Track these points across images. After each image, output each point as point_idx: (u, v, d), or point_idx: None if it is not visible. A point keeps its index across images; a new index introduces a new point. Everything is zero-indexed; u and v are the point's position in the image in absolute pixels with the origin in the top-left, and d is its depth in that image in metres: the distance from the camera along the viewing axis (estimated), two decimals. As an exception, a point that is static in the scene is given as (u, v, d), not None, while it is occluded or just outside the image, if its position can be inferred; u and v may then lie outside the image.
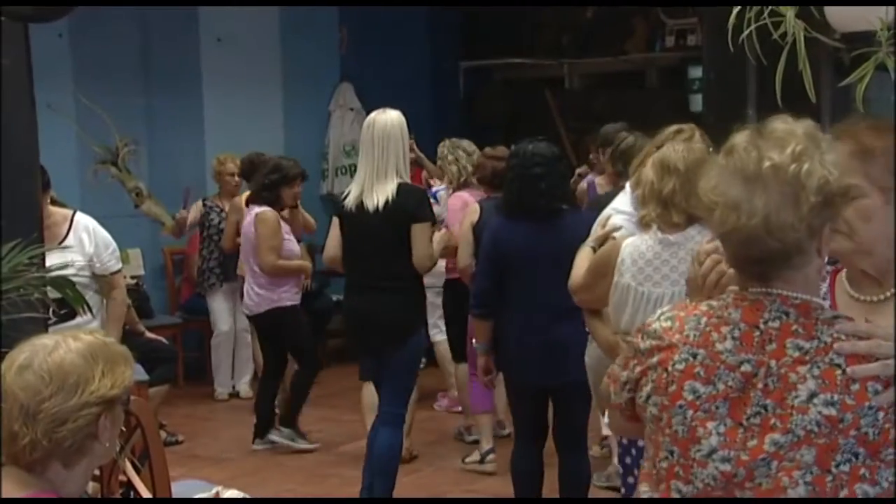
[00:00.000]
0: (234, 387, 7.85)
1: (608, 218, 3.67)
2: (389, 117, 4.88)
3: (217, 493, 3.42)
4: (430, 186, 6.66)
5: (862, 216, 1.99)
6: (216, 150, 7.93)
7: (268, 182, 6.38)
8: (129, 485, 3.25)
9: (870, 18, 3.71)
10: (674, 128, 3.69)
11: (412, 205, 4.74)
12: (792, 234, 1.74)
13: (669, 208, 3.27)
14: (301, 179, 6.59)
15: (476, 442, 6.07)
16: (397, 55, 9.59)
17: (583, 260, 3.60)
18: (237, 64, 8.66)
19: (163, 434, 6.39)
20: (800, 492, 1.73)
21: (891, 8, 3.78)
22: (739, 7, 3.82)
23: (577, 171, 6.81)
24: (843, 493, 1.74)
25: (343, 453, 6.35)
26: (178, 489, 3.36)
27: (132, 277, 7.21)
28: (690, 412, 1.80)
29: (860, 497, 1.74)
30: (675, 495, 1.83)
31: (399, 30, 9.73)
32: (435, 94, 9.74)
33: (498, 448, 5.76)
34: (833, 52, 4.14)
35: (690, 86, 8.80)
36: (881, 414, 1.72)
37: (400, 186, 4.77)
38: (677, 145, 3.32)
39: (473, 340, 4.94)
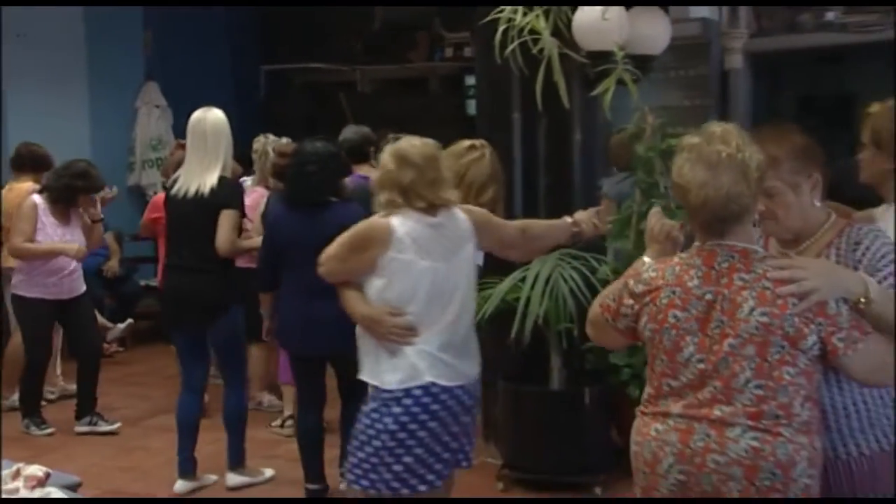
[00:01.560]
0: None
1: None
2: (218, 115, 5.00)
3: (18, 469, 3.37)
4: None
5: (782, 207, 2.55)
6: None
7: (71, 185, 6.08)
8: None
9: (609, 40, 4.00)
10: (467, 143, 3.91)
11: (226, 195, 4.85)
12: (745, 200, 2.39)
13: (411, 196, 3.39)
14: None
15: (280, 412, 6.13)
16: (200, 57, 9.48)
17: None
18: (40, 61, 8.23)
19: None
20: (747, 375, 2.33)
21: (625, 31, 4.08)
22: (505, 26, 4.03)
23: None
24: (775, 374, 2.32)
25: (149, 426, 6.28)
26: (-25, 467, 3.26)
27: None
28: (674, 331, 2.42)
29: (785, 376, 2.32)
30: (665, 388, 2.44)
31: (202, 33, 9.61)
32: (237, 96, 9.63)
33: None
34: (581, 67, 4.43)
35: (466, 92, 9.00)
36: (796, 318, 2.32)
37: (220, 179, 4.88)
38: (414, 140, 3.47)
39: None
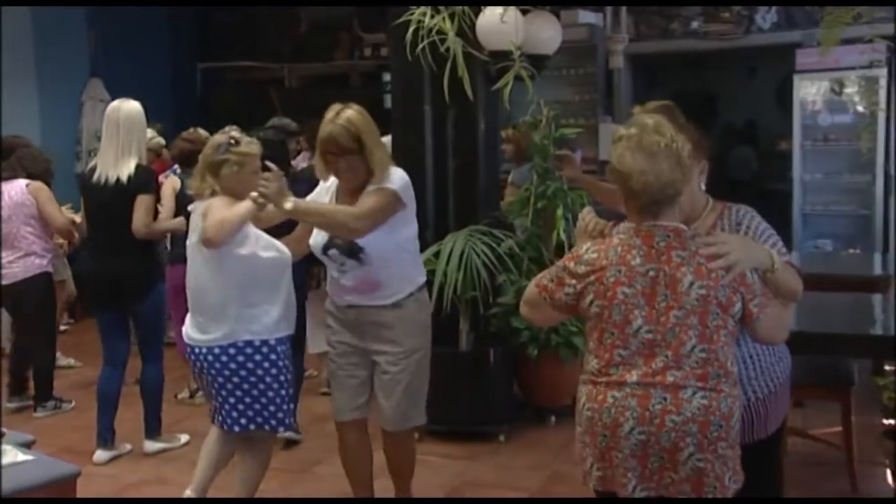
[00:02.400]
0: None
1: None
2: (133, 105, 4.79)
3: None
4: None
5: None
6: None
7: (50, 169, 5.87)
8: None
9: (507, 41, 3.97)
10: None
11: (142, 181, 4.67)
12: (679, 185, 2.39)
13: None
14: None
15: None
16: (141, 55, 9.24)
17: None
18: None
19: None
20: (693, 342, 2.36)
21: (521, 33, 4.06)
22: (415, 27, 3.96)
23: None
24: (714, 338, 2.37)
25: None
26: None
27: None
28: (623, 306, 2.40)
29: (721, 339, 2.38)
30: (617, 358, 2.40)
31: (143, 32, 9.38)
32: (175, 91, 9.46)
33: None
34: (483, 65, 4.41)
35: (383, 87, 8.94)
36: (726, 288, 2.37)
37: (137, 166, 4.69)
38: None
39: None
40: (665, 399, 2.35)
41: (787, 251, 2.62)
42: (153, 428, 4.99)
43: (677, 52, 8.69)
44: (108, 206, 4.69)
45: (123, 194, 4.64)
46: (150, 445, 4.97)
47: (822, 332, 3.99)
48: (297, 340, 4.41)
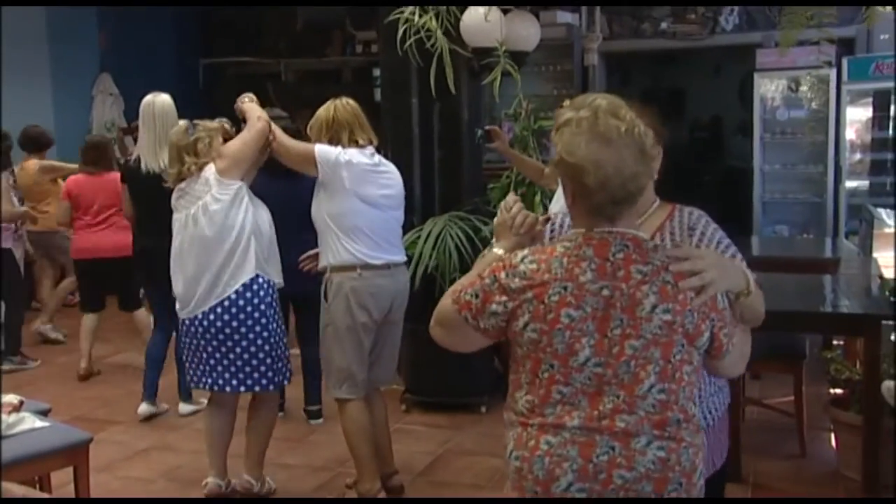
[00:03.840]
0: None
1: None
2: (164, 98, 4.84)
3: None
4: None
5: None
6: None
7: None
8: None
9: (490, 38, 3.97)
10: None
11: None
12: (642, 180, 1.79)
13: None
14: None
15: None
16: (148, 51, 9.22)
17: None
18: (8, 57, 7.87)
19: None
20: (652, 380, 1.75)
21: (503, 31, 4.05)
22: (405, 26, 3.96)
23: None
24: (677, 375, 1.77)
25: (109, 364, 6.14)
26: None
27: None
28: (567, 333, 1.76)
29: (685, 377, 1.79)
30: (556, 396, 1.78)
31: (149, 31, 9.35)
32: (179, 85, 9.37)
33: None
34: (467, 61, 4.41)
35: (374, 82, 8.92)
36: (696, 314, 1.78)
37: None
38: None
39: None
40: (613, 449, 1.75)
41: (744, 259, 2.07)
42: (187, 391, 5.07)
43: (648, 51, 8.72)
44: (152, 192, 4.69)
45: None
46: (184, 407, 5.10)
47: (777, 310, 4.02)
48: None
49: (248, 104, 3.80)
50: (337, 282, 3.64)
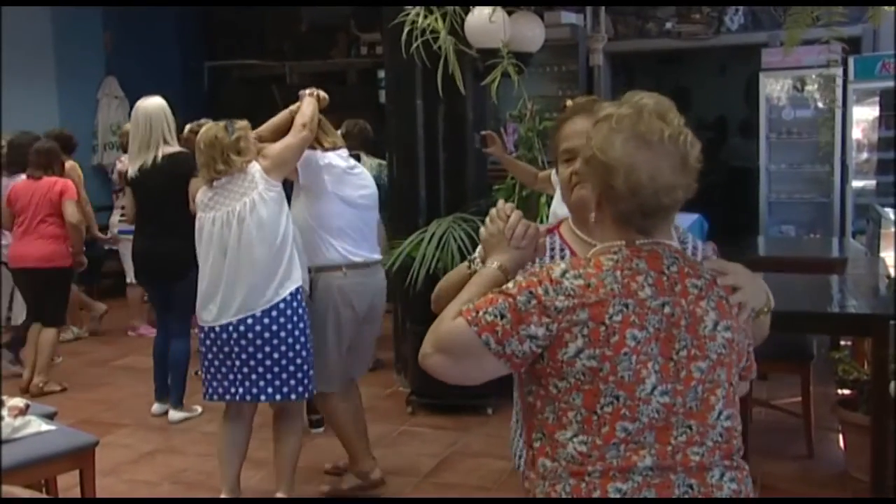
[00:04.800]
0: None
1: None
2: (152, 103, 4.83)
3: (1, 401, 3.28)
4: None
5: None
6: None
7: None
8: None
9: (495, 39, 3.96)
10: None
11: (185, 167, 4.62)
12: (679, 194, 1.59)
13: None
14: None
15: None
16: (153, 54, 9.24)
17: None
18: (14, 59, 7.92)
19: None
20: (720, 406, 1.59)
21: (508, 32, 4.04)
22: (410, 27, 3.95)
23: None
24: (736, 398, 1.64)
25: (114, 367, 6.11)
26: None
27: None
28: (634, 357, 1.53)
29: (737, 401, 1.65)
30: (620, 434, 1.54)
31: (154, 34, 9.37)
32: (184, 88, 9.43)
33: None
34: (472, 61, 4.40)
35: (379, 84, 8.94)
36: (744, 332, 1.66)
37: (177, 154, 4.74)
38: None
39: None
40: (692, 487, 1.56)
41: None
42: (178, 399, 5.04)
43: (653, 51, 8.71)
44: (149, 195, 4.75)
45: (162, 184, 4.68)
46: (174, 415, 5.03)
47: (784, 310, 4.00)
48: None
49: (309, 99, 3.73)
50: (324, 281, 3.70)
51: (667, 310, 1.56)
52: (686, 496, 1.55)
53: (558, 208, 3.70)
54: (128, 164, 4.89)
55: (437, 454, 4.45)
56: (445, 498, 3.94)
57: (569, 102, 1.93)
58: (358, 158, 5.82)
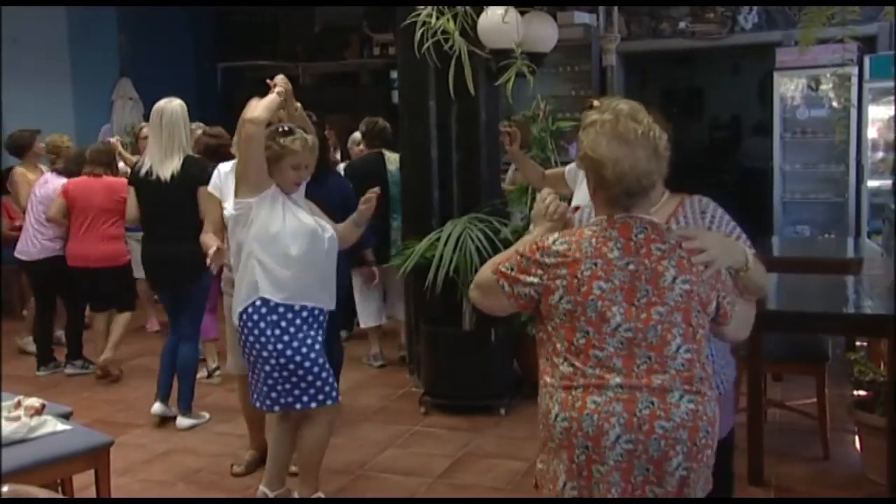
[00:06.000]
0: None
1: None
2: (173, 105, 4.79)
3: (19, 401, 3.30)
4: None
5: None
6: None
7: None
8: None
9: (508, 39, 3.96)
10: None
11: (197, 173, 4.59)
12: (654, 176, 2.07)
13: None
14: None
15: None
16: (167, 56, 9.29)
17: None
18: (30, 61, 8.08)
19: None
20: (678, 342, 2.04)
21: (520, 32, 4.04)
22: (422, 29, 3.96)
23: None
24: (697, 337, 2.06)
25: (127, 367, 6.12)
26: (-13, 399, 3.19)
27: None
28: (599, 302, 2.03)
29: (702, 339, 2.07)
30: (593, 360, 2.03)
31: (168, 35, 9.44)
32: (198, 89, 9.47)
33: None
34: (484, 62, 4.40)
35: (391, 84, 8.95)
36: (706, 285, 2.08)
37: (188, 159, 4.72)
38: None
39: None
40: (653, 403, 2.00)
41: (750, 242, 2.31)
42: (186, 404, 4.97)
43: (666, 51, 8.68)
44: (162, 199, 4.72)
45: (177, 188, 4.65)
46: (183, 421, 4.95)
47: (799, 311, 4.01)
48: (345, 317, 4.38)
49: (271, 96, 3.55)
50: None
51: (630, 267, 2.05)
52: (647, 410, 2.00)
53: (578, 198, 3.70)
54: (144, 164, 4.85)
55: (450, 455, 4.44)
56: (451, 498, 3.93)
57: (595, 103, 2.21)
58: (382, 155, 5.85)
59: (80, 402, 5.09)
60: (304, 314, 3.47)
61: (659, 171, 2.07)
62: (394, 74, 8.46)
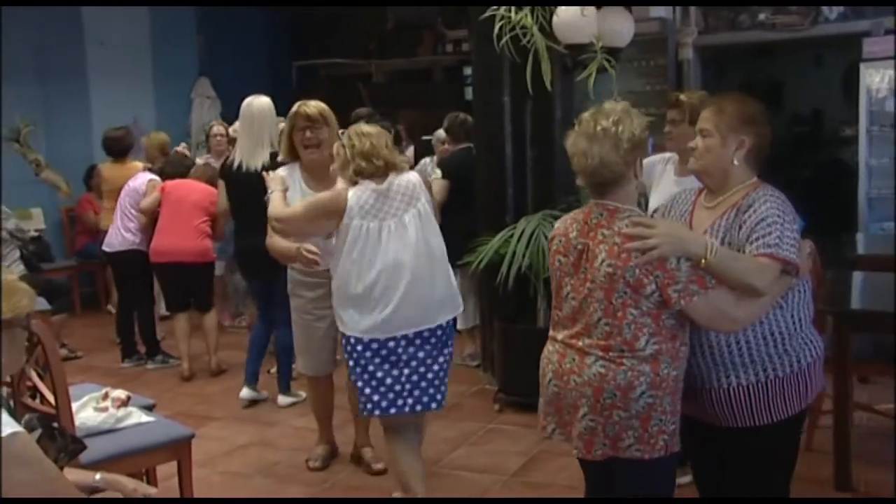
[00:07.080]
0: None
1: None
2: (262, 101, 4.98)
3: (106, 392, 3.40)
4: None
5: (706, 149, 2.45)
6: (102, 130, 7.43)
7: None
8: (35, 388, 3.17)
9: (585, 34, 3.93)
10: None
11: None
12: (617, 167, 2.36)
13: (371, 160, 3.43)
14: None
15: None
16: (243, 55, 9.49)
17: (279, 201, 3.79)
18: (116, 61, 8.40)
19: (65, 351, 6.18)
20: (599, 314, 2.37)
21: (597, 27, 4.01)
22: (501, 23, 3.96)
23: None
24: (619, 314, 2.34)
25: (206, 361, 6.24)
26: (75, 391, 3.30)
27: (35, 230, 6.83)
28: (558, 273, 2.50)
29: (628, 316, 2.33)
30: (555, 318, 2.52)
31: (244, 36, 9.64)
32: (273, 87, 9.59)
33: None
34: (560, 57, 4.37)
35: (465, 81, 8.92)
36: (637, 270, 2.31)
37: (274, 155, 4.79)
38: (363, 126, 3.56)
39: None
40: (574, 360, 2.42)
41: (793, 244, 2.33)
42: (285, 385, 5.23)
43: (745, 43, 8.47)
44: (251, 191, 4.80)
45: (263, 181, 4.75)
46: (283, 399, 5.23)
47: (884, 311, 3.88)
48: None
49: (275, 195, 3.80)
50: None
51: (580, 246, 2.43)
52: (569, 365, 2.43)
53: (653, 201, 3.65)
54: (234, 158, 4.98)
55: (524, 452, 4.43)
56: (448, 498, 3.89)
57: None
58: (471, 151, 5.82)
59: (162, 395, 5.22)
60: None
61: (622, 163, 2.35)
62: (467, 71, 8.43)
